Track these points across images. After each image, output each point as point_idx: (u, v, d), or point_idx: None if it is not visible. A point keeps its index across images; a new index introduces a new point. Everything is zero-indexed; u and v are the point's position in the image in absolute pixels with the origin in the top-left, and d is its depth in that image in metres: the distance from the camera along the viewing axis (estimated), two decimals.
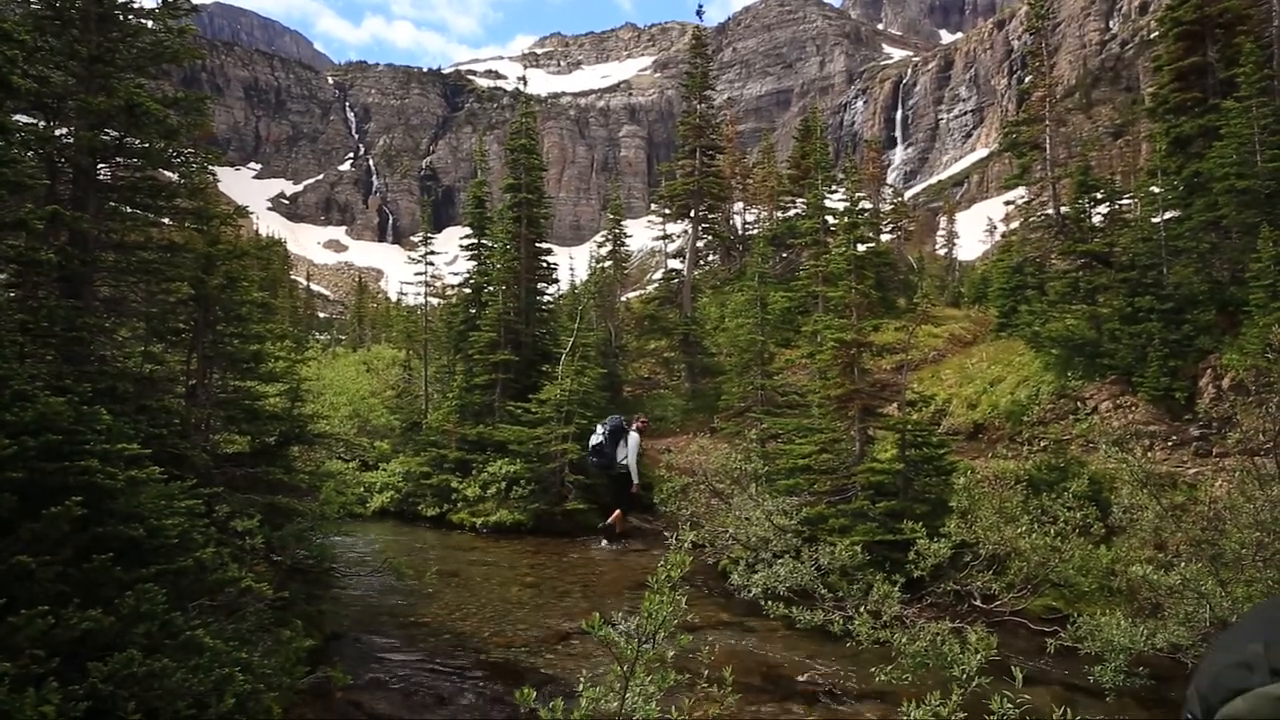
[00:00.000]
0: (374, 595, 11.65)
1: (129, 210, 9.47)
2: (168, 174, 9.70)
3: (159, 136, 9.08)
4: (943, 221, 69.63)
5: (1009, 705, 3.75)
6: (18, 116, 8.31)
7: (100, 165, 9.17)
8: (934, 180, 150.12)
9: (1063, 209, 19.29)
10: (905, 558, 10.67)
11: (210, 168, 10.32)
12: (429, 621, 10.65)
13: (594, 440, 15.68)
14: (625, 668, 4.02)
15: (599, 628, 4.12)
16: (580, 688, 4.18)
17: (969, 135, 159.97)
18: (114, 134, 8.92)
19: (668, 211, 31.83)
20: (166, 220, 10.09)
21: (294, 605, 8.55)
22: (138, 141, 9.08)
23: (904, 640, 8.30)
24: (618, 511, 15.49)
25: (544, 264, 21.19)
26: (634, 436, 15.64)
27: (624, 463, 15.47)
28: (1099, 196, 17.77)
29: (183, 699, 5.27)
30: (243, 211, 11.24)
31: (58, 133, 8.91)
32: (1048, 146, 19.91)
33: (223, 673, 5.61)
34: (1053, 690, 8.40)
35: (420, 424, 20.49)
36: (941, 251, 63.92)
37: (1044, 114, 19.91)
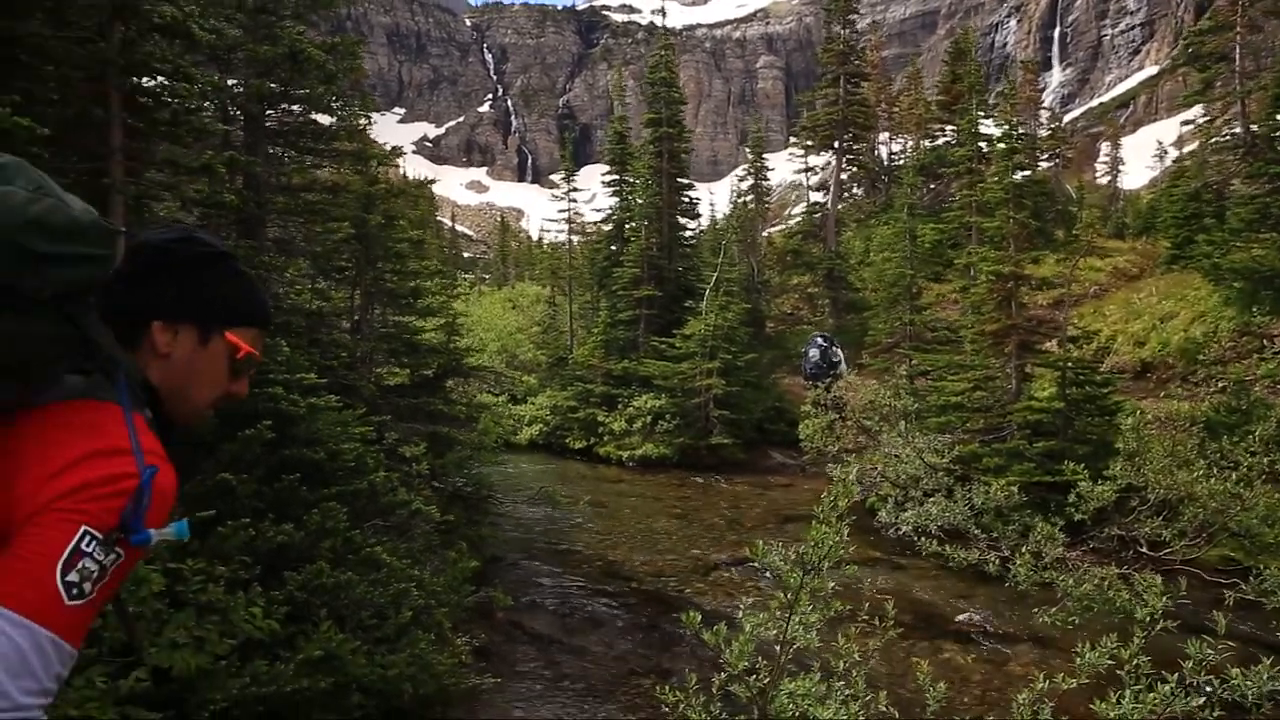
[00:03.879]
0: (527, 523, 12.12)
1: (294, 154, 9.95)
2: (324, 118, 10.10)
3: (319, 81, 9.43)
4: (1104, 147, 64.96)
5: (1209, 651, 3.55)
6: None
7: (268, 111, 9.64)
8: (1095, 103, 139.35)
9: (1252, 127, 17.59)
10: (1065, 500, 10.24)
11: (366, 112, 10.72)
12: (581, 549, 11.01)
13: (832, 357, 16.08)
14: (790, 596, 4.02)
15: (763, 554, 4.13)
16: (740, 615, 4.20)
17: (1136, 51, 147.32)
18: (278, 82, 9.33)
19: (809, 143, 30.99)
20: (327, 164, 10.54)
21: (457, 529, 9.00)
22: (300, 88, 9.48)
23: (1069, 583, 8.00)
24: None
25: (686, 199, 21.10)
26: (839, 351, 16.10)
27: (842, 369, 15.85)
28: None
29: (366, 610, 5.66)
30: (398, 151, 11.67)
31: (229, 82, 9.41)
32: (1236, 57, 18.10)
33: (399, 588, 5.99)
34: (1230, 644, 7.95)
35: (566, 359, 20.97)
36: (1103, 180, 59.76)
37: (1234, 20, 18.05)
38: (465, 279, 51.64)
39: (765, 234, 32.80)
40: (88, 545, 1.11)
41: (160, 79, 6.63)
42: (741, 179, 30.25)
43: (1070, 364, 12.23)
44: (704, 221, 29.66)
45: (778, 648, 4.15)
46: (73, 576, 1.10)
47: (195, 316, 1.39)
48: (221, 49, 9.13)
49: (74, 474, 1.14)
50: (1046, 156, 42.67)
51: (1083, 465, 10.31)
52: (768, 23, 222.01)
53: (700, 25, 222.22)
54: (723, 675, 3.85)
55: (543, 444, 18.87)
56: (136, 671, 3.73)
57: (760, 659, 4.04)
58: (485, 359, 21.38)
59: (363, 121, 10.77)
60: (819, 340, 16.59)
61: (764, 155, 33.29)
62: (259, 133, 9.60)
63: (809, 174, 32.56)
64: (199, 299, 1.39)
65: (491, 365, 20.28)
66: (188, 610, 4.18)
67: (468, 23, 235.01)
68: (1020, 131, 26.27)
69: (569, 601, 9.13)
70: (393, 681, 5.37)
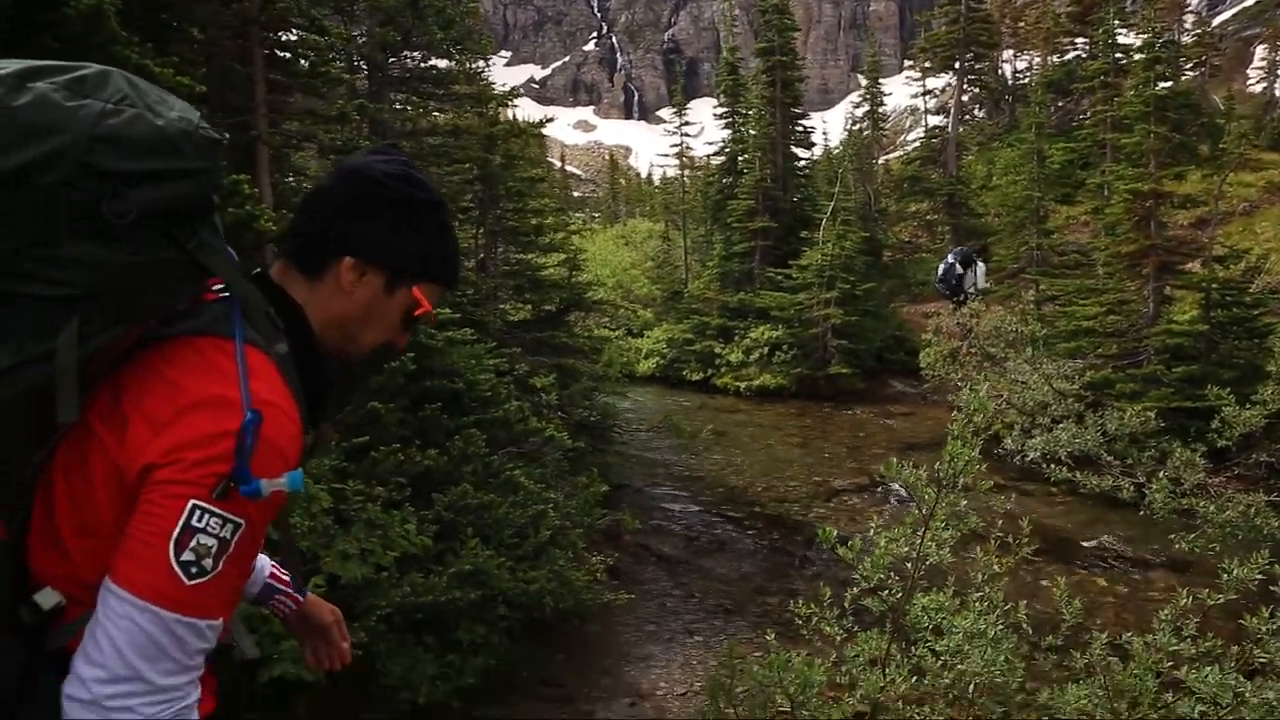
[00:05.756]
0: (650, 451, 12.41)
1: (416, 99, 10.26)
2: (442, 63, 10.34)
3: (438, 27, 9.65)
4: (1260, 51, 59.74)
5: None
6: None
7: (390, 60, 9.96)
8: (1250, 2, 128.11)
9: None
10: (1207, 426, 9.82)
11: (482, 54, 10.94)
12: (703, 476, 11.24)
13: (959, 272, 15.91)
14: (925, 511, 4.07)
15: (896, 471, 4.18)
16: (871, 533, 4.27)
17: None
18: (399, 30, 9.59)
19: (928, 65, 29.74)
20: (447, 108, 10.82)
21: (584, 456, 9.33)
22: (420, 35, 9.73)
23: (1211, 509, 7.74)
24: None
25: (800, 128, 20.75)
26: (981, 265, 15.65)
27: (971, 289, 15.59)
28: None
29: (507, 529, 6.01)
30: (515, 92, 11.88)
31: (353, 33, 9.75)
32: None
33: (537, 509, 6.31)
34: None
35: (681, 293, 21.11)
36: (1256, 87, 55.09)
37: None
38: (577, 218, 52.18)
39: (881, 161, 31.83)
40: (199, 520, 1.06)
41: (297, 33, 6.94)
42: (856, 105, 29.36)
43: (1215, 284, 11.64)
44: (817, 151, 29.08)
45: (908, 564, 4.21)
46: (187, 556, 1.06)
47: (389, 263, 1.30)
48: (345, 1, 9.47)
49: (178, 429, 1.08)
50: (1191, 65, 39.65)
51: (1228, 390, 9.82)
52: None
53: None
54: (854, 590, 3.94)
55: (659, 377, 19.13)
56: (315, 578, 4.12)
57: (892, 574, 4.11)
58: (602, 294, 21.78)
59: (480, 64, 10.99)
60: (958, 253, 16.13)
61: (879, 80, 32.14)
62: (382, 80, 9.94)
63: (927, 97, 31.34)
64: (399, 247, 1.30)
65: (610, 300, 20.65)
66: (359, 524, 4.55)
67: None
68: (1164, 39, 24.50)
69: (694, 525, 9.39)
70: (535, 595, 5.70)
